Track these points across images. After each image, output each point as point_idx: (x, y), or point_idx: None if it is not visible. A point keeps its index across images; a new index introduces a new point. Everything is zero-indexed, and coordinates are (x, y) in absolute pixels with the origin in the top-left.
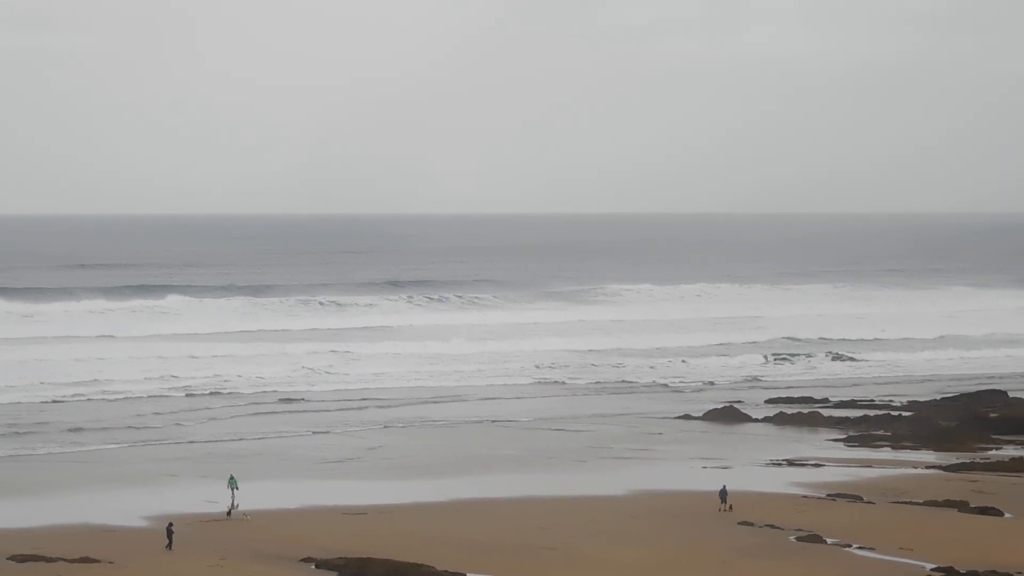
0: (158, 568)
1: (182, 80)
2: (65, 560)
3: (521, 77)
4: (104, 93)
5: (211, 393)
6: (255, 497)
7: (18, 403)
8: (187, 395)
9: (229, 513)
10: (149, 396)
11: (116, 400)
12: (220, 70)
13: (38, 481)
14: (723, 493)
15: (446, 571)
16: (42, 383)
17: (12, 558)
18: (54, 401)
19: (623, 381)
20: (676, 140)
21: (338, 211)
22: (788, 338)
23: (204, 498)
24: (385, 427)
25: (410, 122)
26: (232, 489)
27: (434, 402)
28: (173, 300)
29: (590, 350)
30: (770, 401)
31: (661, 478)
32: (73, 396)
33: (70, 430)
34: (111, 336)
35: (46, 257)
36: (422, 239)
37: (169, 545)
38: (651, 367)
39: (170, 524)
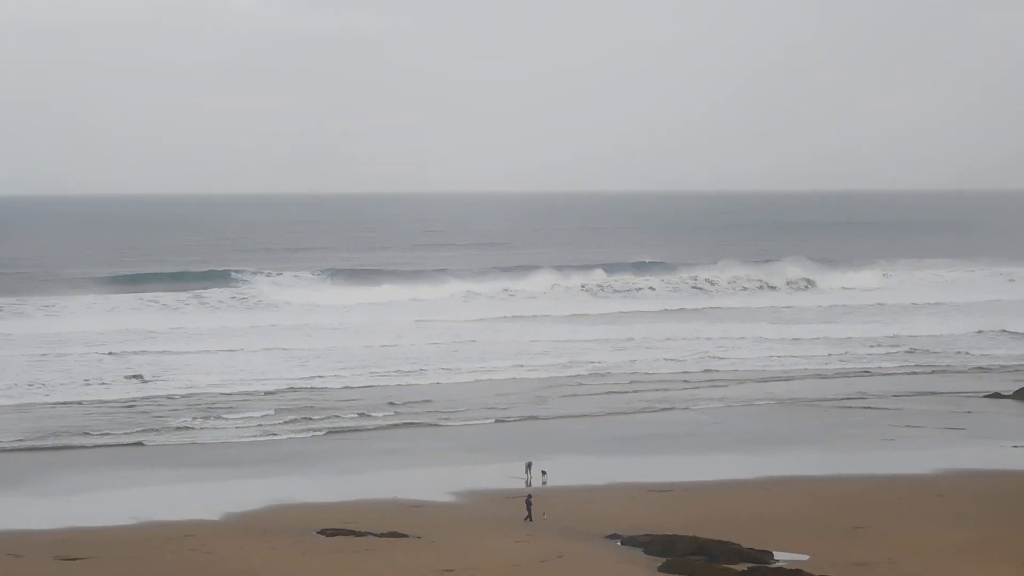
0: (464, 542)
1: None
2: (374, 534)
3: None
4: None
5: (556, 374)
6: (566, 472)
7: (370, 386)
8: (534, 377)
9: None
10: (505, 379)
11: (471, 382)
12: None
13: (356, 455)
14: None
15: (752, 549)
16: (397, 371)
17: (322, 532)
18: (405, 384)
19: (924, 364)
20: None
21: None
22: None
23: (511, 475)
24: (726, 406)
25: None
26: (529, 470)
27: (761, 381)
28: (527, 282)
29: (894, 335)
30: None
31: (969, 457)
32: (422, 380)
33: (420, 411)
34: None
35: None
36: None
37: (529, 517)
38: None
39: (529, 496)
